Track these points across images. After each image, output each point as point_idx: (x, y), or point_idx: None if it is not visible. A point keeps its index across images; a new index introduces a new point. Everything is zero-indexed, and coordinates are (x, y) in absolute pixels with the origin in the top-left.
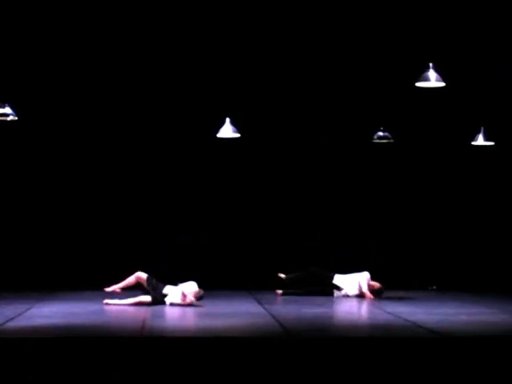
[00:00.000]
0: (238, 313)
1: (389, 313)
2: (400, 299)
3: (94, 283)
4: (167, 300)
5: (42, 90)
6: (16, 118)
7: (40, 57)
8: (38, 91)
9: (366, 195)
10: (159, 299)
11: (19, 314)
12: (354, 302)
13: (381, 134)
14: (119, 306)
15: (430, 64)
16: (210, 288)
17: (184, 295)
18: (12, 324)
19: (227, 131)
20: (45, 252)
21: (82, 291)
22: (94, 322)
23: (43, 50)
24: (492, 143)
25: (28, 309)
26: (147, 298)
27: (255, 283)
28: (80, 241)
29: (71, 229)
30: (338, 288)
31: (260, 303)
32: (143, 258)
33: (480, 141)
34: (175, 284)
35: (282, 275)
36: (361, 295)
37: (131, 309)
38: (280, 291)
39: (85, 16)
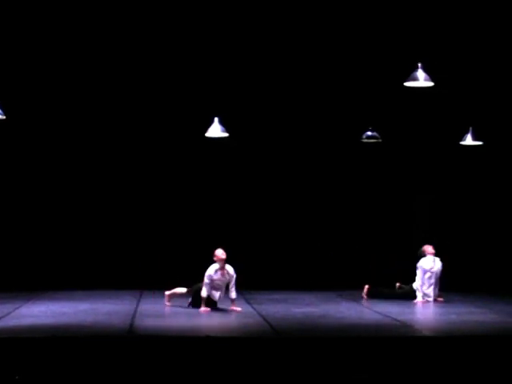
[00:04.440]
0: (228, 312)
1: (378, 312)
2: (388, 299)
3: (83, 283)
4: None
5: (30, 89)
6: (4, 117)
7: (30, 57)
8: (26, 90)
9: (354, 194)
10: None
11: (8, 314)
12: (342, 302)
13: (369, 133)
14: (109, 305)
15: (419, 64)
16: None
17: None
18: (0, 324)
19: (216, 131)
20: (34, 252)
21: (71, 291)
22: (82, 321)
23: (33, 49)
24: (480, 143)
25: (17, 308)
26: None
27: (245, 283)
28: (69, 241)
29: (60, 229)
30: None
31: (249, 303)
32: (132, 258)
33: (468, 141)
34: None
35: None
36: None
37: (120, 308)
38: (367, 286)
39: (76, 16)
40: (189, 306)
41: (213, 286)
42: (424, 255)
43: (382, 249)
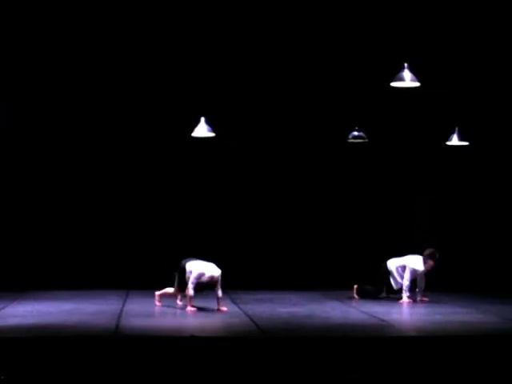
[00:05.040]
0: (213, 312)
1: (363, 312)
2: (375, 298)
3: (69, 283)
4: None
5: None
6: None
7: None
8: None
9: (341, 195)
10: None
11: None
12: (328, 302)
13: (356, 133)
14: (95, 305)
15: (405, 64)
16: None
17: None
18: None
19: (202, 130)
20: (19, 252)
21: (56, 291)
22: (68, 321)
23: (21, 51)
24: (466, 143)
25: (2, 308)
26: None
27: (231, 283)
28: (55, 241)
29: (46, 229)
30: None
31: (235, 303)
32: (118, 258)
33: (454, 141)
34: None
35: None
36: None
37: (106, 308)
38: (356, 286)
39: (61, 17)
40: (181, 300)
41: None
42: (425, 262)
43: (382, 249)
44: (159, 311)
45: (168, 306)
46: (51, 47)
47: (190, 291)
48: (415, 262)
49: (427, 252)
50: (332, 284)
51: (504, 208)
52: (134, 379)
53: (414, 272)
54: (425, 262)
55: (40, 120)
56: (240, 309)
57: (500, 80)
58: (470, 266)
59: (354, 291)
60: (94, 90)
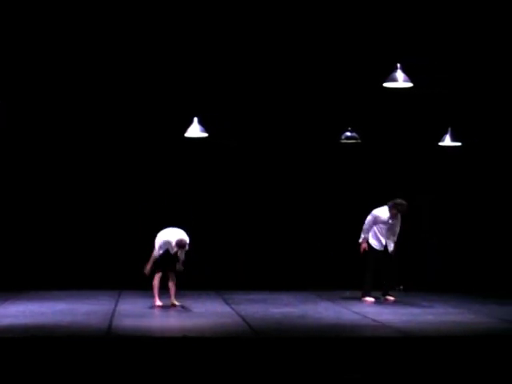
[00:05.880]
0: (206, 313)
1: (356, 313)
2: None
3: (61, 283)
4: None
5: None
6: None
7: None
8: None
9: (333, 195)
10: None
11: None
12: (321, 302)
13: (348, 134)
14: (87, 305)
15: (398, 64)
16: (177, 288)
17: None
18: None
19: (195, 131)
20: (12, 252)
21: (49, 291)
22: (60, 321)
23: (21, 51)
24: (459, 144)
25: None
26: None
27: (224, 283)
28: (48, 241)
29: (38, 229)
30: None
31: (227, 303)
32: (111, 258)
33: (447, 141)
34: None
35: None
36: None
37: (98, 308)
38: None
39: (59, 18)
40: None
41: None
42: (390, 210)
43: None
44: (151, 311)
45: (162, 307)
46: (49, 49)
47: (156, 253)
48: (379, 210)
49: (396, 201)
50: (326, 284)
51: (503, 208)
52: (126, 379)
53: (374, 216)
54: (389, 211)
55: (37, 121)
56: (232, 309)
57: (492, 80)
58: (470, 266)
59: (365, 299)
60: (88, 91)
